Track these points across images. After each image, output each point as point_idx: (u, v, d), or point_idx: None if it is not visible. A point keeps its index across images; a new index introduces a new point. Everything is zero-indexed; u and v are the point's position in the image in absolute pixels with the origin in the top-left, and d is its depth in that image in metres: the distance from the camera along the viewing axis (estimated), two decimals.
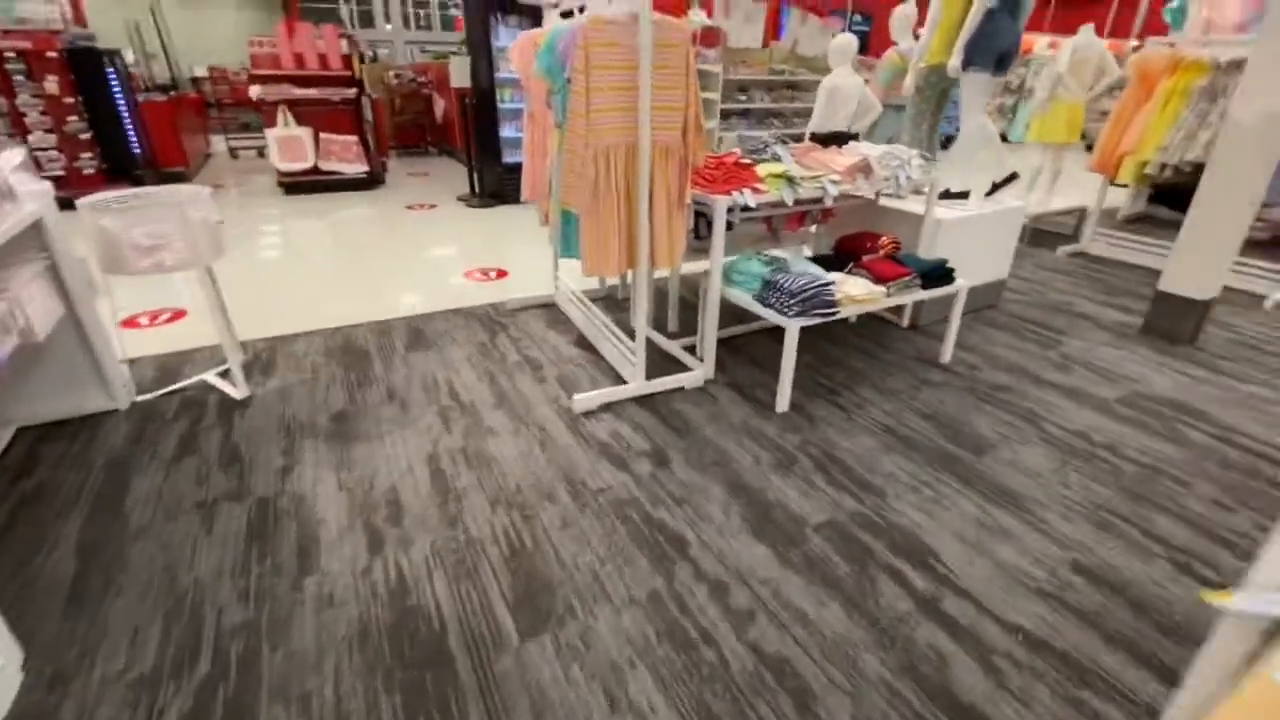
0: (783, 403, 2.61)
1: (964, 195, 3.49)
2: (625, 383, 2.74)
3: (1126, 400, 2.78)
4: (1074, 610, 1.69)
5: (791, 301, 2.45)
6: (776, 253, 2.90)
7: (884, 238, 3.09)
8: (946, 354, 3.10)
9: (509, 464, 2.25)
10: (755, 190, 2.61)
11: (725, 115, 7.76)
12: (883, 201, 3.35)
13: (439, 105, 10.28)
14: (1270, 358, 3.23)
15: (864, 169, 2.89)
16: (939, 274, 2.85)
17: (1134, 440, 2.48)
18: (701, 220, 2.86)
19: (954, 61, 3.21)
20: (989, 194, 3.61)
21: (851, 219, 3.48)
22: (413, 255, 4.77)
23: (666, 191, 2.40)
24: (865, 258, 2.96)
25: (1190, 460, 2.36)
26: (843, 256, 3.05)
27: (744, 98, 8.00)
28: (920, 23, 3.83)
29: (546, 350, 3.17)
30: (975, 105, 3.34)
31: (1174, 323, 3.37)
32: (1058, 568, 1.83)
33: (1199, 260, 3.24)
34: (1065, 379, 2.96)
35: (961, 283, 2.92)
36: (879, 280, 2.72)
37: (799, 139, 3.43)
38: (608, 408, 2.63)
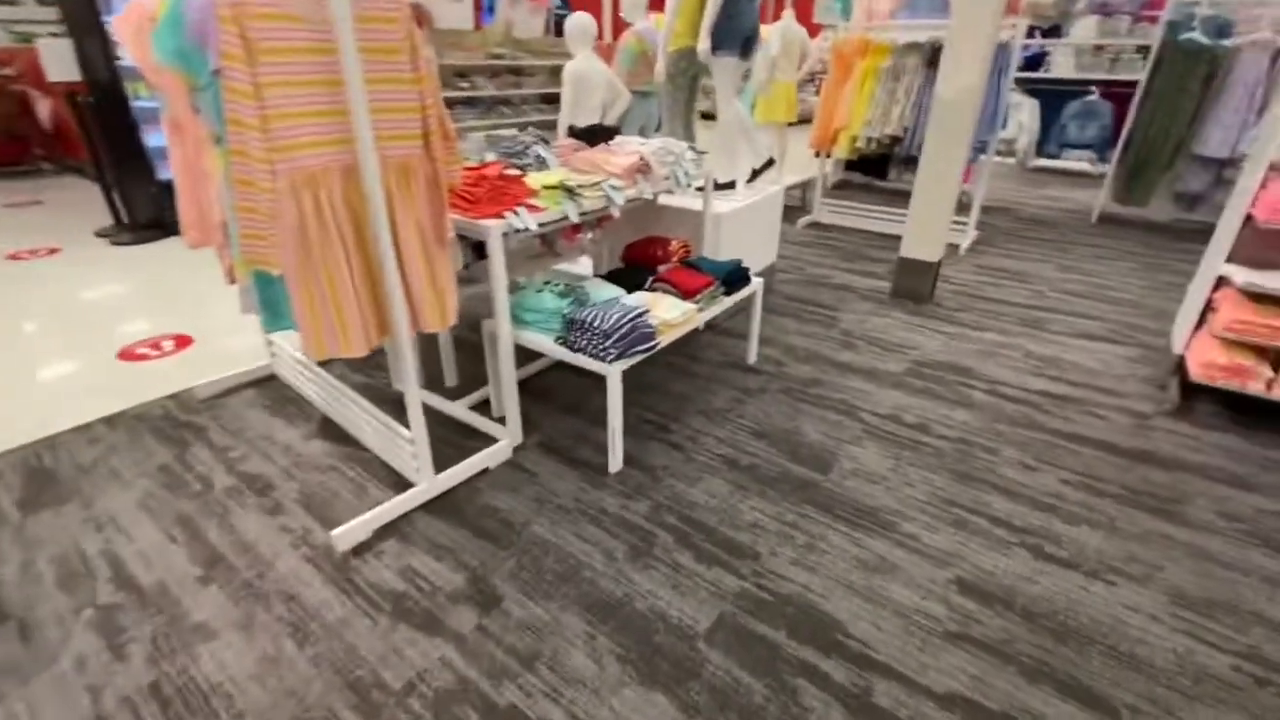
0: (615, 461, 2.16)
1: (730, 185, 3.38)
2: (408, 485, 2.02)
3: (912, 371, 2.92)
4: (986, 648, 1.55)
5: (608, 344, 1.98)
6: (564, 269, 2.41)
7: (674, 242, 2.79)
8: (752, 354, 2.96)
9: (245, 693, 1.42)
10: (531, 208, 2.06)
11: (450, 104, 6.93)
12: (665, 198, 3.06)
13: (42, 106, 7.52)
14: (982, 301, 3.75)
15: (643, 168, 2.53)
16: (738, 276, 2.65)
17: (934, 413, 2.58)
18: (463, 243, 2.23)
19: (703, 45, 3.01)
20: (750, 180, 3.57)
21: (628, 222, 3.14)
22: (26, 334, 3.20)
23: (418, 227, 1.72)
24: (662, 269, 2.63)
25: (984, 423, 2.51)
26: (636, 269, 2.68)
27: (466, 84, 7.24)
28: (654, 3, 3.60)
29: (275, 456, 2.25)
30: (728, 91, 3.21)
31: (916, 284, 3.72)
32: (948, 594, 1.71)
33: (927, 227, 3.59)
34: (856, 358, 3.03)
35: (757, 282, 2.77)
36: (685, 294, 2.41)
37: (541, 127, 2.97)
38: (389, 530, 1.90)
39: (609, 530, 1.91)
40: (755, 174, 3.59)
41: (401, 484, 2.06)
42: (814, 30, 6.08)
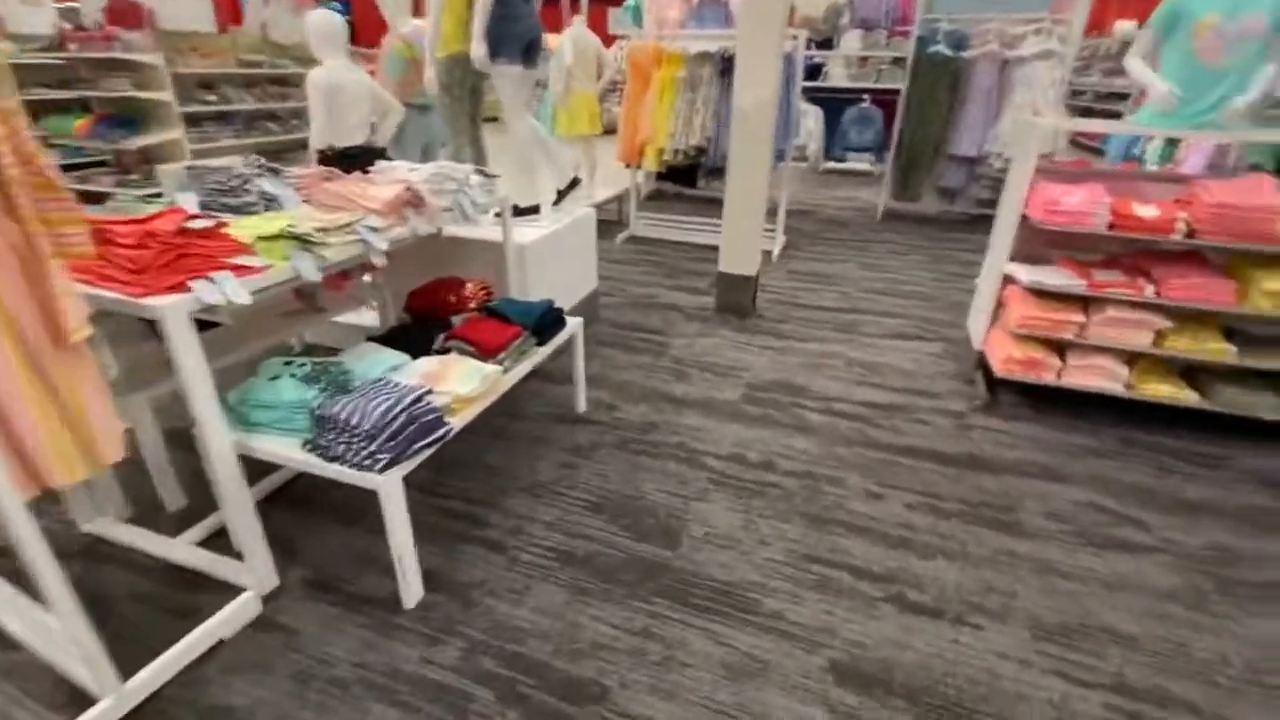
0: (411, 592, 1.65)
1: (534, 210, 2.98)
2: (89, 701, 1.34)
3: (747, 397, 2.75)
4: None
5: (374, 447, 1.47)
6: (308, 340, 1.84)
7: (469, 285, 2.33)
8: (581, 402, 2.59)
9: None
10: (243, 269, 1.48)
11: (195, 120, 5.70)
12: (448, 230, 2.56)
13: None
14: (800, 309, 3.76)
15: (412, 200, 2.03)
16: (551, 320, 2.25)
17: (776, 444, 2.41)
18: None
19: (477, 51, 2.57)
20: (556, 203, 3.20)
21: (411, 258, 2.60)
22: None
23: (10, 330, 1.08)
24: (456, 321, 2.15)
25: (823, 449, 2.39)
26: (424, 324, 2.17)
27: (213, 98, 6.02)
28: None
29: None
30: (516, 104, 2.81)
31: (738, 298, 3.62)
32: (827, 690, 1.47)
33: (742, 241, 3.49)
34: (690, 390, 2.79)
35: (575, 323, 2.40)
36: (486, 353, 1.96)
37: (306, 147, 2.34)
38: None
39: (406, 704, 1.40)
40: (561, 195, 3.23)
41: (78, 699, 1.37)
42: (609, 41, 5.92)
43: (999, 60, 5.01)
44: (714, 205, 4.33)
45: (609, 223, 5.47)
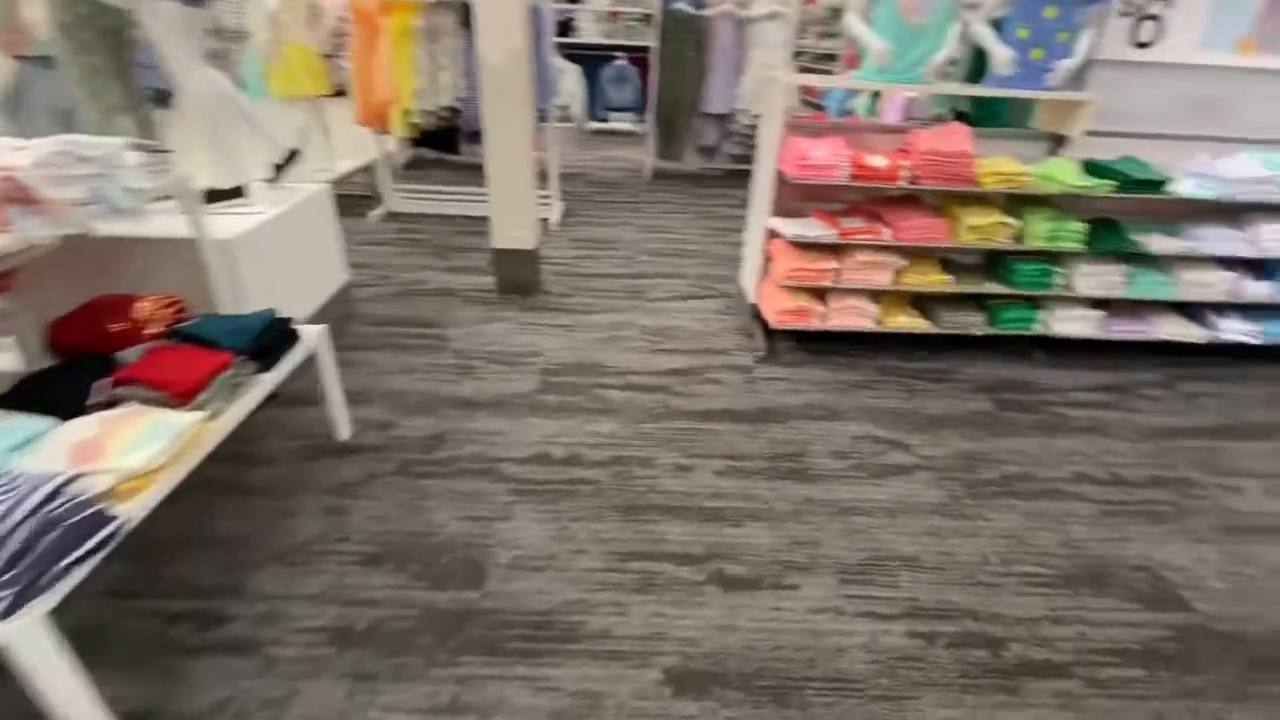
0: None
1: (236, 193, 2.35)
2: None
3: (544, 385, 2.53)
4: None
5: None
6: None
7: (143, 303, 1.72)
8: (343, 427, 2.14)
9: None
10: None
11: None
12: (110, 228, 1.86)
13: None
14: (587, 280, 3.62)
15: (18, 195, 1.40)
16: (275, 335, 1.77)
17: (580, 433, 2.24)
18: None
19: None
20: (273, 180, 2.58)
21: (60, 270, 1.87)
22: None
23: None
24: (128, 357, 1.57)
25: (630, 429, 2.28)
26: (77, 366, 1.55)
27: None
28: None
29: None
30: (180, 52, 2.13)
31: (520, 275, 3.35)
32: (668, 706, 1.36)
33: (514, 212, 3.20)
34: (481, 387, 2.49)
35: (314, 331, 1.93)
36: (178, 397, 1.45)
37: None
38: None
39: None
40: (279, 169, 2.61)
41: None
42: None
43: (736, 20, 5.26)
44: (478, 172, 3.94)
45: (359, 199, 4.75)
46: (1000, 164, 2.52)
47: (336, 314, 2.83)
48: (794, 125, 2.65)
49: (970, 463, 2.21)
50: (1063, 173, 2.55)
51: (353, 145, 4.94)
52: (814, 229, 2.59)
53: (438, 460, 2.06)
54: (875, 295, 2.76)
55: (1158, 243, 2.64)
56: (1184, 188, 2.54)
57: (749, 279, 3.02)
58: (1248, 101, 2.89)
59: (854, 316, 2.76)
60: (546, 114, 4.27)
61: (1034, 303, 2.80)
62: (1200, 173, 2.61)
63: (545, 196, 4.67)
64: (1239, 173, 2.53)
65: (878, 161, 2.50)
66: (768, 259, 2.84)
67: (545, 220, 4.54)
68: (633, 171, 6.27)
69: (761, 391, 2.58)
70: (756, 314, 2.95)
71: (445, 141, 4.93)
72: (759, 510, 1.94)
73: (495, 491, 1.94)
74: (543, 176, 5.01)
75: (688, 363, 2.77)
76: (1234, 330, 2.82)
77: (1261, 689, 1.47)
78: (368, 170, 4.90)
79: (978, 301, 2.82)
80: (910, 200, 2.67)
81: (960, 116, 4.55)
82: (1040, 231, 2.58)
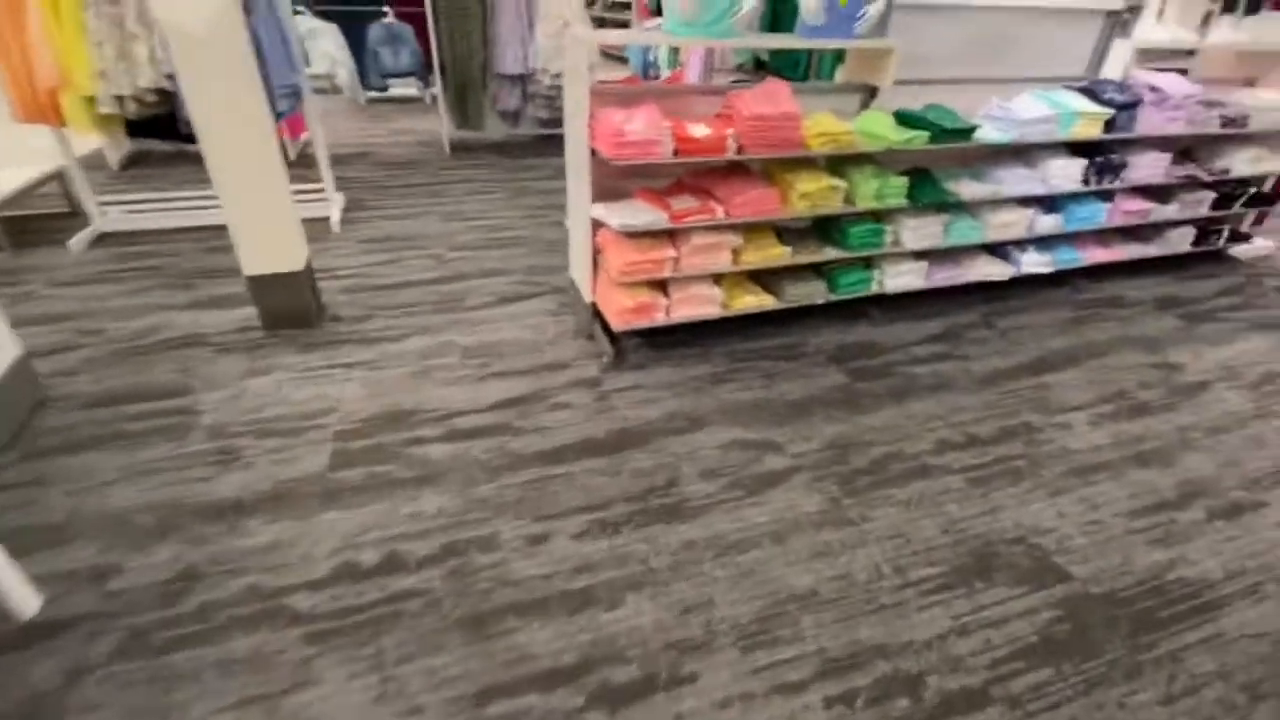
0: None
1: None
2: None
3: (340, 459, 1.96)
4: None
5: None
6: None
7: None
8: (26, 601, 1.44)
9: None
10: None
11: None
12: None
13: None
14: (386, 294, 2.99)
15: None
16: None
17: (396, 522, 1.75)
18: None
19: None
20: None
21: None
22: None
23: None
24: None
25: (462, 498, 1.83)
26: None
27: None
28: None
29: None
30: None
31: (289, 304, 2.63)
32: None
33: (263, 225, 2.47)
34: (248, 478, 1.87)
35: None
36: None
37: None
38: None
39: None
40: None
41: None
42: None
43: None
44: None
45: (52, 221, 3.56)
46: (823, 123, 2.34)
47: (13, 404, 1.99)
48: (602, 92, 2.25)
49: (840, 452, 2.08)
50: (881, 127, 2.44)
51: (27, 149, 3.66)
52: (643, 215, 2.25)
53: (188, 615, 1.46)
54: (717, 278, 2.52)
55: (968, 189, 2.68)
56: (986, 134, 2.57)
57: (580, 272, 2.63)
58: (1029, 39, 3.01)
59: (699, 305, 2.50)
60: (298, 90, 3.42)
61: (868, 263, 2.74)
62: (995, 116, 2.66)
63: (316, 191, 3.85)
64: (1028, 113, 2.61)
65: (701, 132, 2.20)
66: (597, 251, 2.46)
67: (325, 220, 3.73)
68: (428, 145, 5.49)
69: (615, 408, 2.25)
70: (597, 314, 2.58)
71: (167, 127, 3.84)
72: (636, 576, 1.62)
73: (283, 645, 1.41)
74: (310, 164, 4.14)
75: (525, 387, 2.34)
76: (1033, 263, 3.01)
77: (1150, 654, 1.48)
78: (59, 180, 3.67)
79: (816, 269, 2.71)
80: (737, 170, 2.43)
81: (760, 66, 4.44)
82: (868, 191, 2.48)
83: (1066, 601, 1.60)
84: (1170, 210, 3.17)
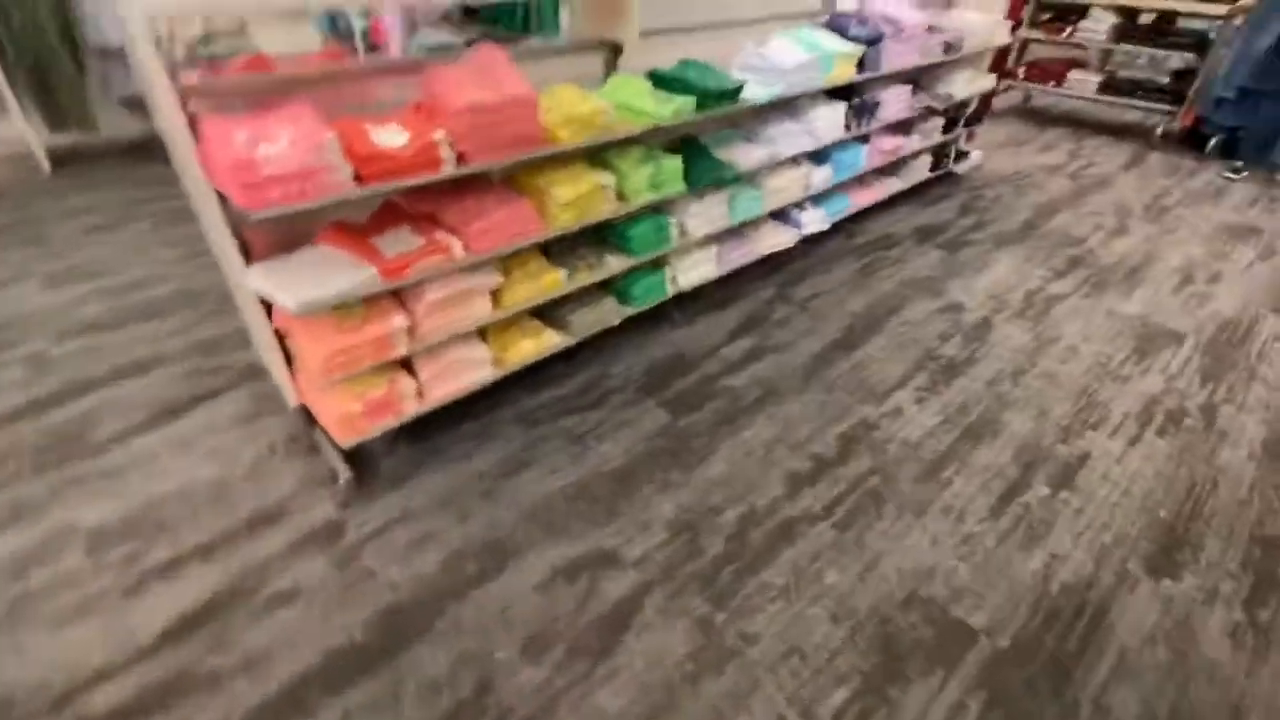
0: None
1: None
2: None
3: None
4: None
5: None
6: None
7: None
8: None
9: None
10: None
11: None
12: None
13: None
14: None
15: None
16: None
17: None
18: None
19: None
20: None
21: None
22: None
23: None
24: None
25: None
26: None
27: None
28: None
29: None
30: None
31: None
32: None
33: None
34: None
35: None
36: None
37: None
38: None
39: None
40: None
41: None
42: None
43: None
44: None
45: None
46: (567, 102, 1.73)
47: None
48: (203, 95, 1.36)
49: (690, 538, 1.62)
50: (638, 97, 1.91)
51: None
52: (336, 278, 1.46)
53: None
54: (481, 329, 1.85)
55: (744, 156, 2.30)
56: (754, 92, 2.18)
57: (272, 362, 1.76)
58: None
59: (462, 373, 1.81)
60: None
61: (656, 263, 2.27)
62: (755, 66, 2.29)
63: None
64: (788, 60, 2.27)
65: (395, 139, 1.44)
66: (281, 338, 1.61)
67: None
68: (13, 164, 3.73)
69: (372, 572, 1.51)
70: (312, 419, 1.76)
71: None
72: None
73: None
74: None
75: (217, 580, 1.48)
76: (813, 221, 2.81)
77: (1080, 713, 1.28)
78: None
79: (601, 283, 2.16)
80: (471, 181, 1.73)
81: (468, 14, 3.61)
82: (641, 182, 1.96)
83: (983, 674, 1.35)
84: (914, 142, 3.19)
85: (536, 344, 1.96)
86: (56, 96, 3.72)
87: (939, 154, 3.52)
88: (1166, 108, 4.49)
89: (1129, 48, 4.71)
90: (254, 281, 1.43)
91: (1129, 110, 5.02)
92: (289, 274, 1.45)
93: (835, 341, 2.40)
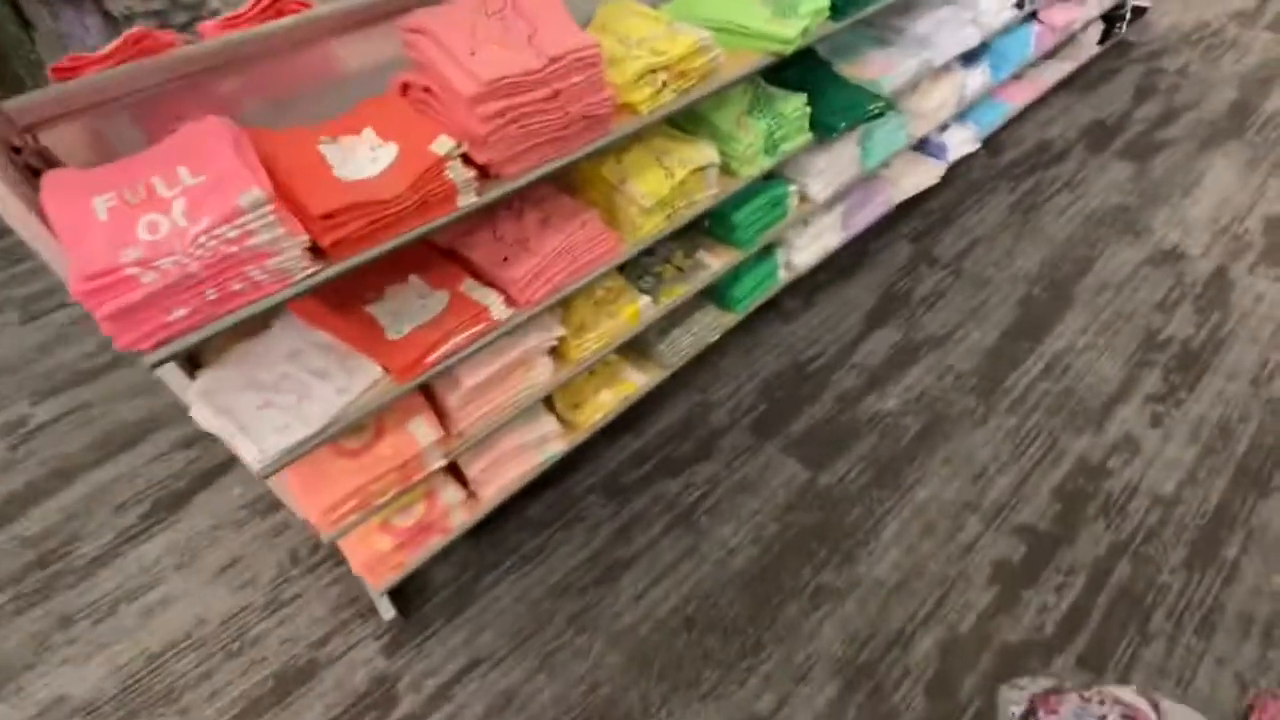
0: None
1: None
2: None
3: None
4: None
5: None
6: None
7: None
8: None
9: None
10: None
11: None
12: None
13: None
14: None
15: None
16: None
17: None
18: None
19: None
20: None
21: None
22: None
23: None
24: None
25: None
26: None
27: None
28: None
29: None
30: None
31: None
32: None
33: None
34: None
35: None
36: None
37: None
38: None
39: None
40: None
41: None
42: None
43: None
44: None
45: None
46: (632, 31, 1.06)
47: None
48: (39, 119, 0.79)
49: (871, 700, 1.14)
50: (744, 8, 1.21)
51: None
52: (322, 392, 0.92)
53: None
54: (547, 400, 1.31)
55: (888, 72, 1.56)
56: None
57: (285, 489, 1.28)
58: None
59: (523, 459, 1.30)
60: None
61: (767, 247, 1.62)
62: None
63: None
64: None
65: (371, 165, 0.84)
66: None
67: None
68: None
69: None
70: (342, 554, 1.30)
71: None
72: None
73: None
74: None
75: None
76: (961, 143, 2.05)
77: None
78: None
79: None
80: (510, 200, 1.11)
81: None
82: (755, 144, 1.30)
83: None
84: (1092, 6, 2.29)
85: (616, 393, 1.42)
86: None
87: (1110, 17, 2.58)
88: None
89: None
90: (200, 415, 0.91)
91: None
92: (251, 391, 0.93)
93: (1012, 326, 1.76)
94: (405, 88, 0.93)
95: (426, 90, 0.90)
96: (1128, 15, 2.68)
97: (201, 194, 0.73)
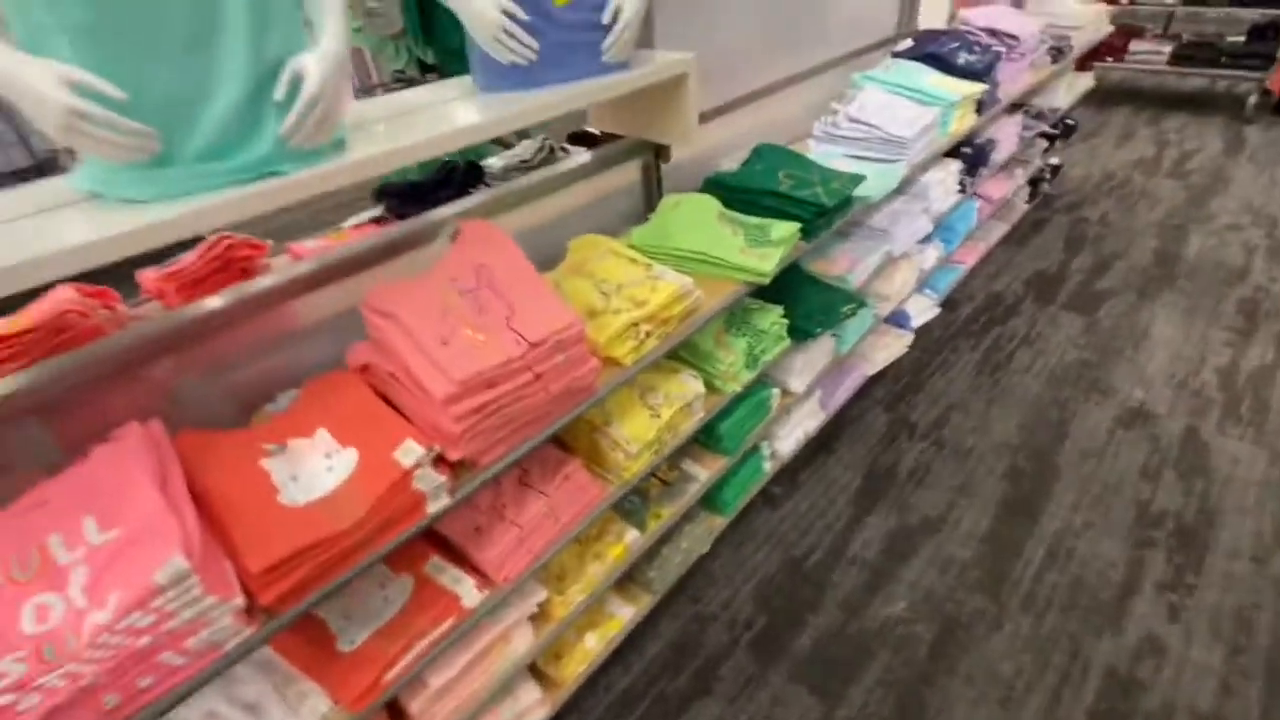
0: None
1: None
2: None
3: None
4: None
5: None
6: None
7: None
8: None
9: None
10: None
11: None
12: None
13: None
14: None
15: None
16: None
17: None
18: None
19: None
20: None
21: None
22: None
23: None
24: None
25: None
26: None
27: None
28: None
29: None
30: None
31: None
32: None
33: None
34: None
35: None
36: None
37: None
38: None
39: None
40: None
41: None
42: None
43: None
44: None
45: None
46: (611, 275, 1.03)
47: None
48: None
49: None
50: (715, 238, 1.20)
51: None
52: None
53: None
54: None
55: (855, 267, 1.59)
56: (873, 185, 1.47)
57: None
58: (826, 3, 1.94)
59: None
60: None
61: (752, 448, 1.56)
62: (847, 136, 1.59)
63: None
64: (901, 124, 1.56)
65: (324, 480, 0.73)
66: None
67: None
68: None
69: None
70: None
71: None
72: None
73: None
74: None
75: None
76: (922, 310, 2.10)
77: None
78: None
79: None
80: None
81: (427, 71, 2.88)
82: (737, 363, 1.26)
83: None
84: (1020, 176, 2.49)
85: (602, 636, 1.26)
86: None
87: (1037, 179, 2.81)
88: (1251, 74, 3.78)
89: (1195, 9, 4.01)
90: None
91: (1191, 78, 4.33)
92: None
93: (1004, 504, 1.70)
94: (366, 369, 0.85)
95: (391, 375, 0.81)
96: (1049, 176, 2.93)
97: (109, 559, 0.60)
